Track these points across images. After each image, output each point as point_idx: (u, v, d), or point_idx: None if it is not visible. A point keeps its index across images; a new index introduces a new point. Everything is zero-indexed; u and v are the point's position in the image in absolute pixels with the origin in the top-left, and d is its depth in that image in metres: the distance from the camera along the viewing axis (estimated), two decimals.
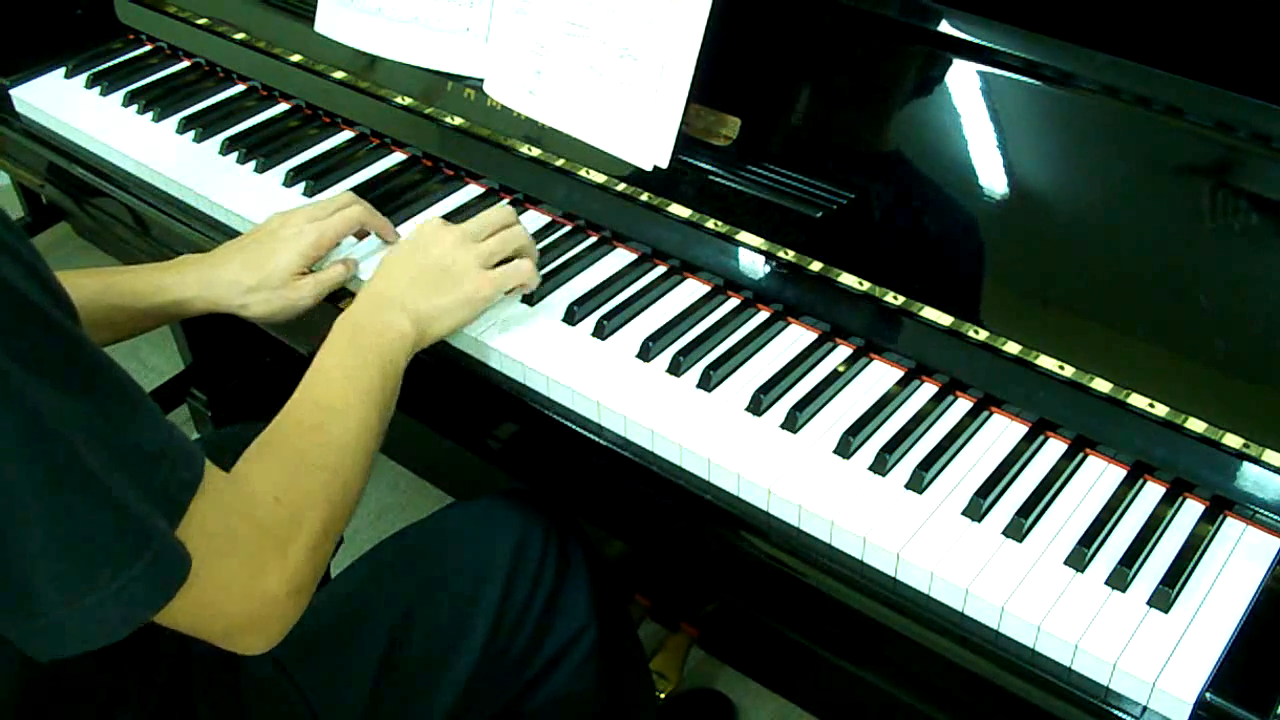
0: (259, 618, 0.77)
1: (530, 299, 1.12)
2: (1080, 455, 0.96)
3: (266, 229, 1.14)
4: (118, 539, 0.67)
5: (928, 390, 1.03)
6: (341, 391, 0.91)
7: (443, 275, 1.03)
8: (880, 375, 1.04)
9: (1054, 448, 0.97)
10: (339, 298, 1.15)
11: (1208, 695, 0.79)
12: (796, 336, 1.09)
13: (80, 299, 1.03)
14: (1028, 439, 0.97)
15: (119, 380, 0.69)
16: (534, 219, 1.24)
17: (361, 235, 1.19)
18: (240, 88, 1.49)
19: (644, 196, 1.17)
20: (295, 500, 0.81)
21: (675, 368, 1.04)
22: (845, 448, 0.96)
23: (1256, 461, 0.89)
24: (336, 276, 1.13)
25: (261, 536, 0.77)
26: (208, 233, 1.29)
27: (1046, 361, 0.97)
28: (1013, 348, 0.98)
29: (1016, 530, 0.89)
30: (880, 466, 0.95)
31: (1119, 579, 0.85)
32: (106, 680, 0.84)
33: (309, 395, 0.91)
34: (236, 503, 0.76)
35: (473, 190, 1.29)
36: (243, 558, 0.75)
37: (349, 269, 1.15)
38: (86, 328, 1.03)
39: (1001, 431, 0.99)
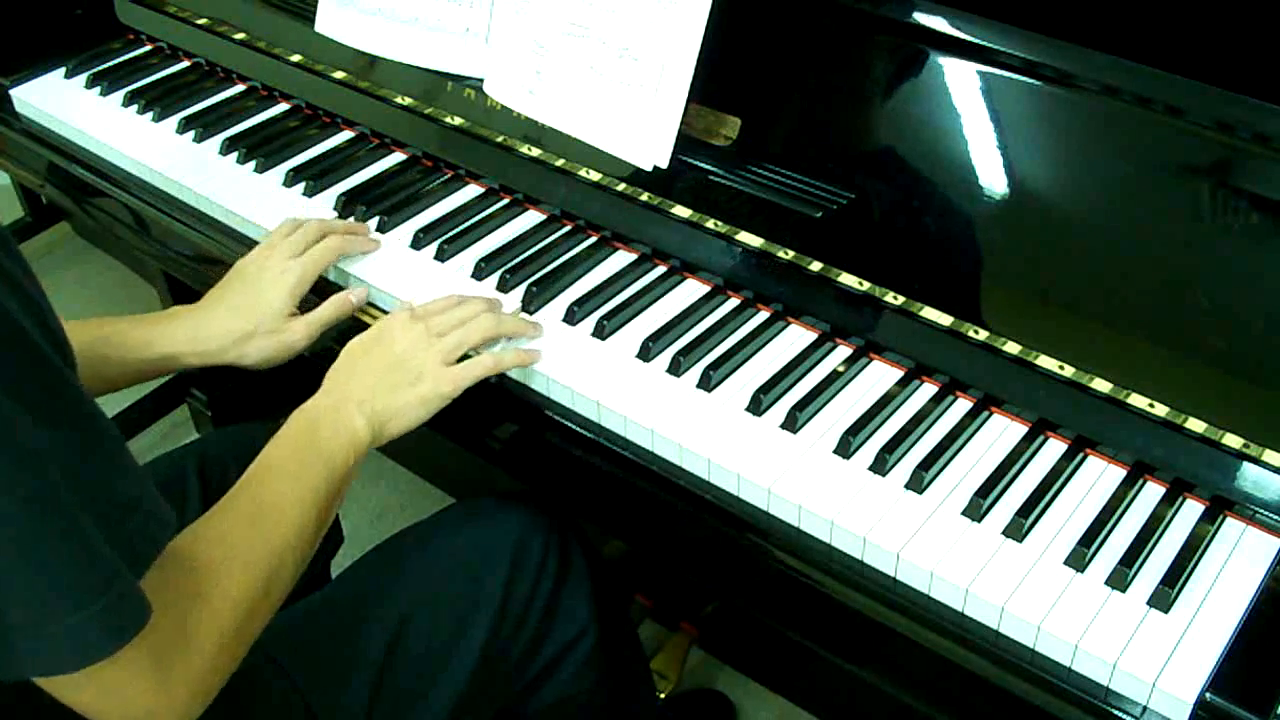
0: (152, 715, 0.74)
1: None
2: (1080, 455, 0.96)
3: (247, 272, 1.12)
4: (81, 575, 0.66)
5: (928, 390, 1.03)
6: (283, 493, 0.88)
7: (402, 373, 1.00)
8: (880, 375, 1.04)
9: (1054, 448, 0.97)
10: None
11: (1208, 695, 0.79)
12: (796, 336, 1.09)
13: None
14: (1028, 439, 0.97)
15: (102, 428, 0.69)
16: (534, 219, 1.25)
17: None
18: (240, 88, 1.49)
19: (644, 196, 1.17)
20: (214, 599, 0.78)
21: (675, 368, 1.04)
22: (845, 448, 0.96)
23: (1256, 461, 0.89)
24: (328, 316, 1.12)
25: (176, 631, 0.75)
26: (207, 233, 1.29)
27: (1046, 361, 0.97)
28: (1013, 348, 0.98)
29: (1016, 530, 0.89)
30: (880, 466, 0.95)
31: (1119, 579, 0.85)
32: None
33: (252, 489, 0.88)
34: (164, 590, 0.74)
35: (473, 190, 1.29)
36: (153, 647, 0.73)
37: (343, 306, 1.13)
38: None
39: (1001, 431, 0.99)
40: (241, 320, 1.09)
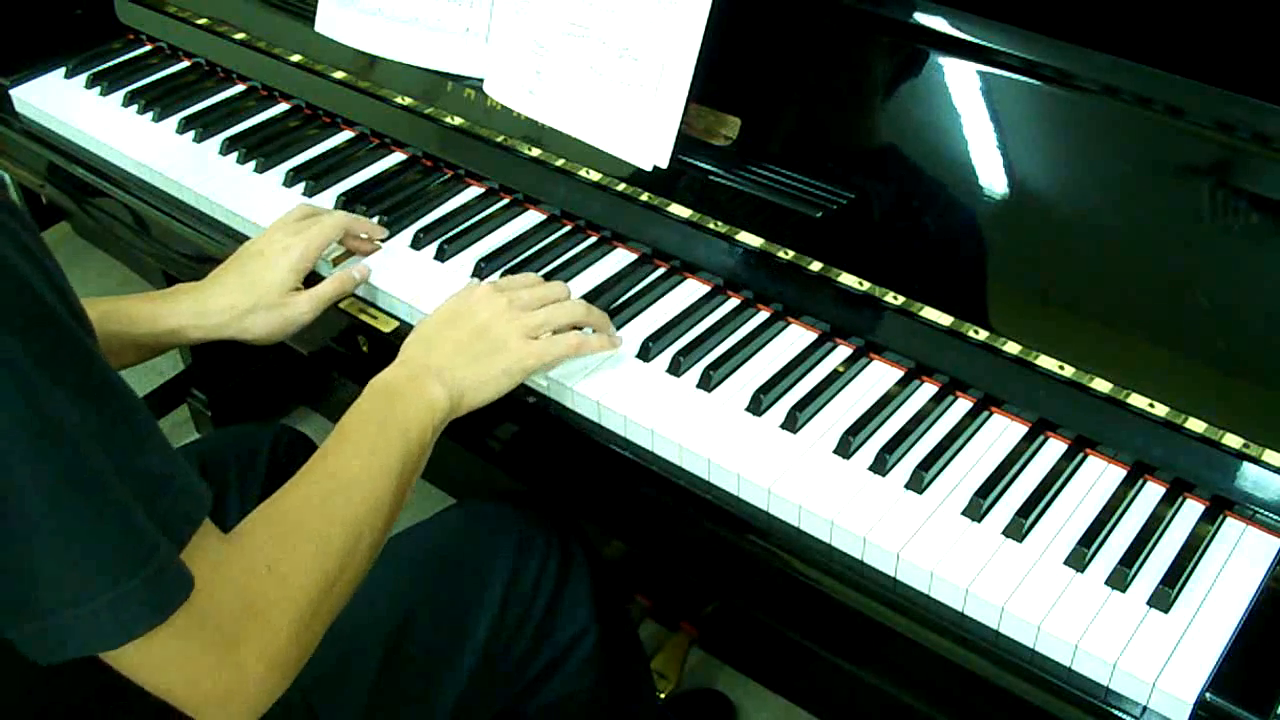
0: (228, 691, 0.73)
1: None
2: (1080, 455, 0.96)
3: (251, 250, 1.13)
4: (120, 548, 0.66)
5: (928, 390, 1.03)
6: (358, 464, 0.87)
7: (483, 344, 0.99)
8: (880, 375, 1.04)
9: (1054, 448, 0.97)
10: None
11: (1208, 695, 0.79)
12: (796, 336, 1.09)
13: None
14: (1028, 439, 0.97)
15: (133, 404, 0.69)
16: (534, 219, 1.25)
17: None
18: (240, 88, 1.49)
19: (644, 196, 1.17)
20: (287, 572, 0.77)
21: (675, 368, 1.04)
22: (845, 448, 0.96)
23: (1256, 461, 0.89)
24: (333, 290, 1.13)
25: (243, 606, 0.74)
26: (208, 233, 1.29)
27: (1046, 361, 0.97)
28: (1013, 348, 0.98)
29: (1016, 530, 0.89)
30: (880, 466, 0.95)
31: (1119, 579, 0.85)
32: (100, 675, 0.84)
33: (325, 462, 0.87)
34: (224, 565, 0.74)
35: (473, 191, 1.29)
36: (219, 624, 0.72)
37: (346, 282, 1.14)
38: None
39: (1001, 431, 0.99)
40: (244, 295, 1.09)
